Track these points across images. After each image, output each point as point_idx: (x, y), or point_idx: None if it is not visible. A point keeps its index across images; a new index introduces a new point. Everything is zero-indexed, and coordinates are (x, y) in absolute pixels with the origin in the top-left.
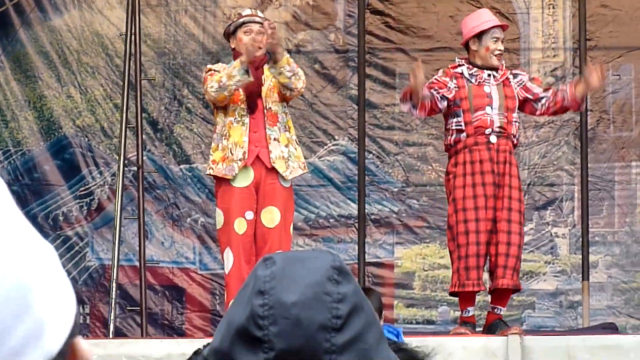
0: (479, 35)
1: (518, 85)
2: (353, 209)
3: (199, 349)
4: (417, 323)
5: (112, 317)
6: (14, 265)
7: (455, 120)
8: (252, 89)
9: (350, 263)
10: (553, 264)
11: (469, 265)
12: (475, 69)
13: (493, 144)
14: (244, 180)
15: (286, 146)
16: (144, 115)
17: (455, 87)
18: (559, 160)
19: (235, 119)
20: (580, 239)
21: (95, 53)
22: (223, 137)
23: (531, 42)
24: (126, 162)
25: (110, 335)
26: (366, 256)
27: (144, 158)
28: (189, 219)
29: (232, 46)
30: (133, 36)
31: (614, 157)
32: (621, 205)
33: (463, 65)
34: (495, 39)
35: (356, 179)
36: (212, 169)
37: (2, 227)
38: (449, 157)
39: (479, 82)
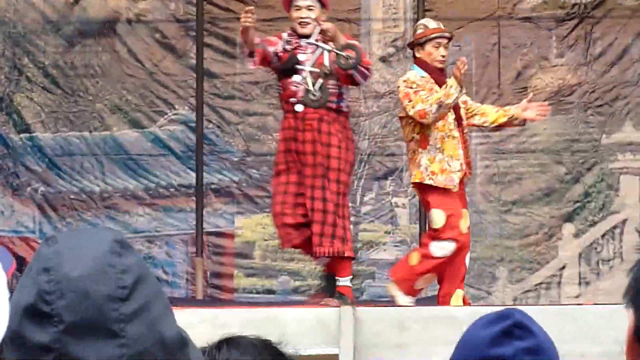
0: None
1: None
2: (193, 178)
3: None
4: (258, 292)
5: None
6: None
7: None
8: None
9: (190, 232)
10: (393, 234)
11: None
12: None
13: (299, 112)
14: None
15: None
16: None
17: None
18: (399, 130)
19: (445, 133)
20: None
21: None
22: (437, 150)
23: (372, 13)
24: None
25: None
26: (206, 225)
27: None
28: (28, 188)
29: (417, 55)
30: None
31: None
32: None
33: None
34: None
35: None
36: (432, 179)
37: None
38: None
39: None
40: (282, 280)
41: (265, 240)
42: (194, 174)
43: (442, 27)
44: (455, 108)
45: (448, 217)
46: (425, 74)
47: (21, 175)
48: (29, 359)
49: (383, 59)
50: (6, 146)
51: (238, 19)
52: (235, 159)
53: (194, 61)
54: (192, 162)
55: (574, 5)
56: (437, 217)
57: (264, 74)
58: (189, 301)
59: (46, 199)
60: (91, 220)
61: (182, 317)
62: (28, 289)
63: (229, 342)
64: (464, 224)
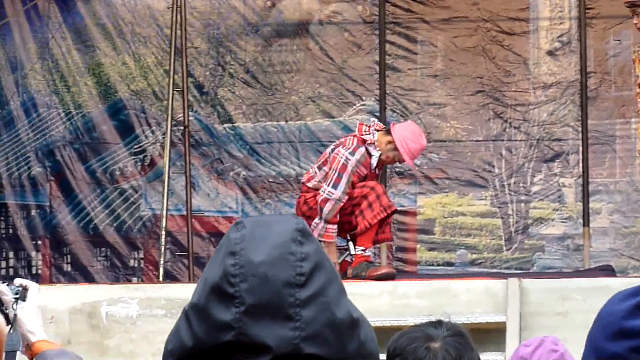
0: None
1: None
2: None
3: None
4: (438, 265)
5: (162, 262)
6: None
7: None
8: None
9: None
10: (560, 211)
11: None
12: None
13: None
14: None
15: None
16: (190, 79)
17: None
18: (565, 117)
19: None
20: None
21: (146, 24)
22: None
23: (539, 12)
24: (174, 122)
25: (160, 278)
26: None
27: (191, 118)
28: (231, 173)
29: None
30: (180, 8)
31: (615, 114)
32: (622, 157)
33: None
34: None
35: None
36: None
37: None
38: None
39: None
40: (459, 254)
41: (445, 217)
42: None
43: None
44: None
45: None
46: None
47: (225, 161)
48: (211, 333)
49: (550, 53)
50: (211, 135)
51: (419, 19)
52: None
53: (378, 57)
54: None
55: None
56: None
57: (443, 68)
58: None
59: (247, 182)
60: (287, 201)
61: (364, 289)
62: (216, 269)
63: (441, 323)
64: None
